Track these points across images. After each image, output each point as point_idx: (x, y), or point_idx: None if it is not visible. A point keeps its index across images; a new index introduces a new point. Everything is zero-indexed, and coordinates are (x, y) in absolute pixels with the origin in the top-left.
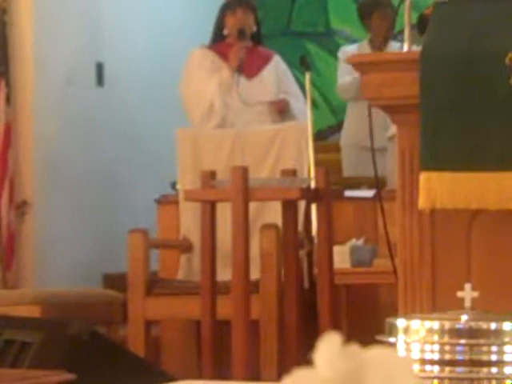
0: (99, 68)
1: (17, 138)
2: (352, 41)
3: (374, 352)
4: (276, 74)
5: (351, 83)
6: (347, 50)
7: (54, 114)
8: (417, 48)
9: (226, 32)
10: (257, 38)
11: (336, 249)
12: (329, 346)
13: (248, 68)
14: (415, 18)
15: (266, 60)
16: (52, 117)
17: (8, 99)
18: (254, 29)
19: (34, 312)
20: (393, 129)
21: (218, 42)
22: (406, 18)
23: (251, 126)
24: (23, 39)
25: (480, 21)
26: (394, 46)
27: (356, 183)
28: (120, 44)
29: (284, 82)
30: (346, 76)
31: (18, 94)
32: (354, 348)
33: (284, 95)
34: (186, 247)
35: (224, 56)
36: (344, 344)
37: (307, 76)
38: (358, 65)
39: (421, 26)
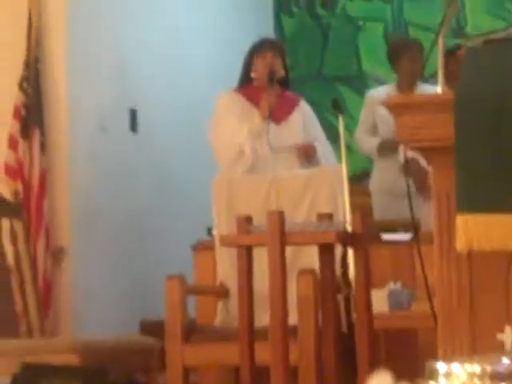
0: (133, 114)
1: (52, 186)
2: (383, 83)
3: None
4: (303, 118)
5: (368, 150)
6: (373, 95)
7: (89, 160)
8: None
9: (253, 75)
10: (285, 83)
11: (373, 293)
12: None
13: (276, 113)
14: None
15: (294, 105)
16: (87, 164)
17: (43, 147)
18: (282, 73)
19: (71, 360)
20: None
21: (245, 84)
22: (440, 60)
23: (281, 172)
24: (57, 87)
25: None
26: (422, 89)
27: (386, 227)
28: (152, 90)
29: (310, 126)
30: (365, 124)
31: (52, 141)
32: None
33: (311, 139)
34: (223, 293)
35: (253, 100)
36: (394, 382)
37: (340, 119)
38: (393, 107)
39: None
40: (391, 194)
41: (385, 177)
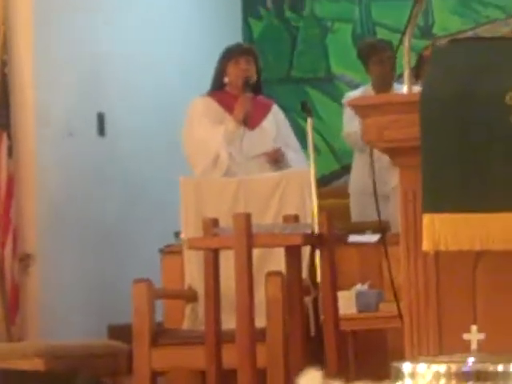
0: (100, 118)
1: (19, 190)
2: (353, 85)
3: None
4: (276, 123)
5: (354, 132)
6: (352, 96)
7: (56, 165)
8: (417, 90)
9: (226, 80)
10: (257, 88)
11: (341, 294)
12: (309, 382)
13: (250, 119)
14: (414, 60)
15: (267, 110)
16: (54, 168)
17: (10, 151)
18: (255, 78)
19: (38, 365)
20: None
21: (218, 90)
22: (406, 60)
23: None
24: (24, 91)
25: (479, 61)
26: (396, 89)
27: (363, 228)
28: (120, 94)
29: (283, 132)
30: (353, 122)
31: (19, 145)
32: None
33: (282, 146)
34: (191, 297)
35: (227, 107)
36: (325, 380)
37: (309, 121)
38: (359, 108)
39: (419, 68)
40: (370, 194)
41: (363, 178)
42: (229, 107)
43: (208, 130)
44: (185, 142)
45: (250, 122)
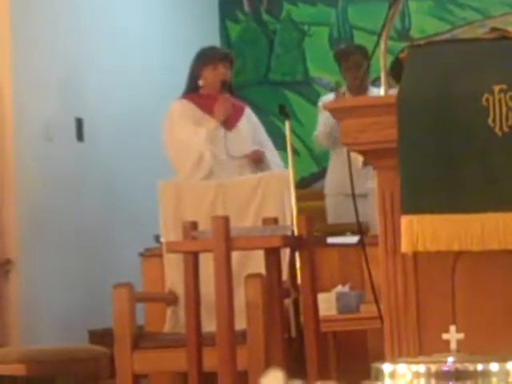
0: (79, 123)
1: None
2: (331, 88)
3: None
4: (250, 125)
5: (323, 131)
6: (326, 100)
7: (35, 169)
8: (393, 92)
9: (201, 83)
10: (230, 90)
11: (322, 296)
12: (271, 382)
13: (228, 119)
14: (390, 63)
15: (241, 112)
16: (33, 173)
17: None
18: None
19: (19, 371)
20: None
21: (192, 92)
22: (382, 63)
23: (234, 178)
24: (2, 97)
25: (455, 62)
26: (372, 92)
27: (341, 230)
28: (98, 99)
29: (258, 134)
30: (322, 126)
31: None
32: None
33: (258, 147)
34: (172, 300)
35: (205, 108)
36: (287, 380)
37: (287, 124)
38: (335, 111)
39: (395, 70)
40: (346, 195)
41: (339, 179)
42: (207, 108)
43: (190, 131)
44: (167, 146)
45: (228, 123)
